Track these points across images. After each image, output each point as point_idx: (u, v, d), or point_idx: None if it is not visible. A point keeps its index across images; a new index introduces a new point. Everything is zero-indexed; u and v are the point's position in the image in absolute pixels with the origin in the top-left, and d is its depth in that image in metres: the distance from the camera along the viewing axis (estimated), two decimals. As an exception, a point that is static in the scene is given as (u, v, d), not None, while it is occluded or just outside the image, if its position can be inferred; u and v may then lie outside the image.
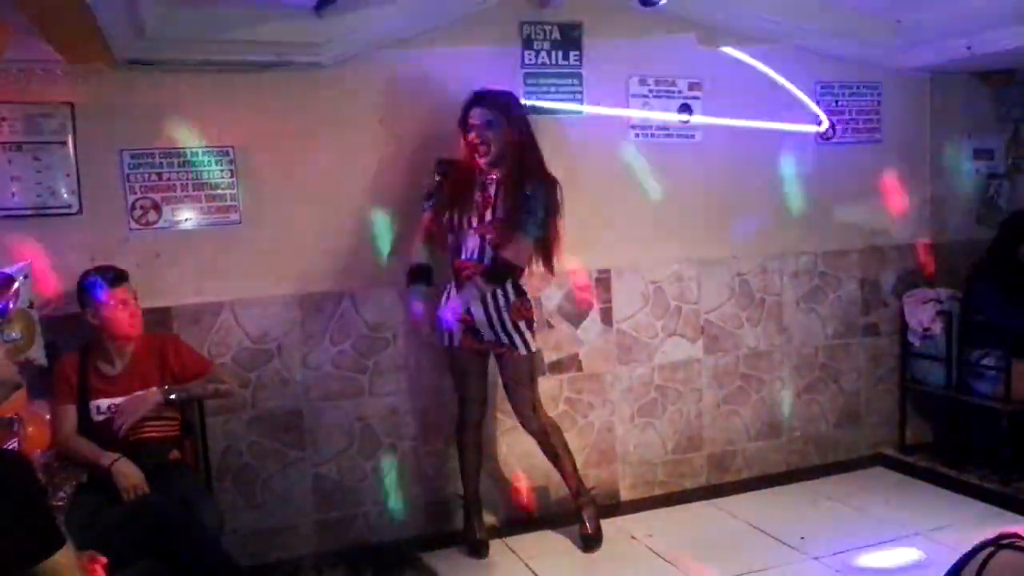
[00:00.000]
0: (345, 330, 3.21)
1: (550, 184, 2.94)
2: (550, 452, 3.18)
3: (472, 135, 2.91)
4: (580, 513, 3.21)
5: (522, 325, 3.01)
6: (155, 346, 2.69)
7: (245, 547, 3.07)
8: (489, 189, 2.96)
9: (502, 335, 2.99)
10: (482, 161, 2.93)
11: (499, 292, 2.96)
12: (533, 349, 3.07)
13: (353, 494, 3.27)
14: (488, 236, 2.92)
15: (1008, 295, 3.64)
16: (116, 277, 2.60)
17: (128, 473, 2.44)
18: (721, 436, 3.84)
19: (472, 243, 2.96)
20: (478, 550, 3.18)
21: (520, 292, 3.02)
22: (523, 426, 3.16)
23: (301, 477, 3.19)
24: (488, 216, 2.94)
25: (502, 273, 2.92)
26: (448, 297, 3.01)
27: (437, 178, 3.02)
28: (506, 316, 2.98)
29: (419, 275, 3.05)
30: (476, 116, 2.91)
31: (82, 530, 2.11)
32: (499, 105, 2.92)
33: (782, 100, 3.79)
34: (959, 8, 3.49)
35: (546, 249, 3.02)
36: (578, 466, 3.29)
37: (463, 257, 2.97)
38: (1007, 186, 4.33)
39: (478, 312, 2.97)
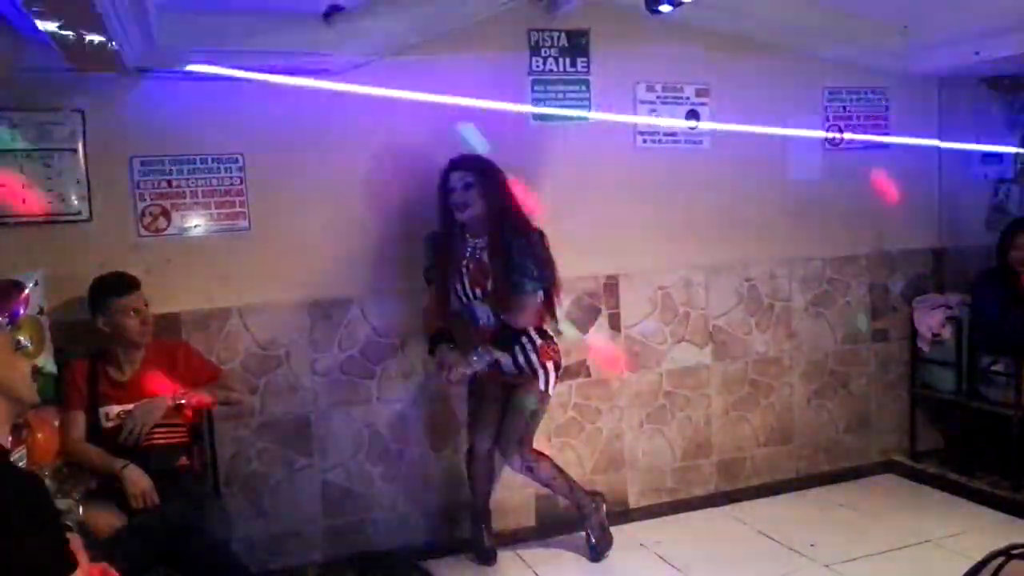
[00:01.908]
0: (353, 336, 3.21)
1: (535, 236, 2.94)
2: (540, 483, 3.18)
3: (453, 196, 2.92)
4: (585, 522, 3.20)
5: (549, 365, 3.02)
6: (165, 353, 2.70)
7: (253, 553, 3.08)
8: (482, 257, 2.96)
9: (527, 368, 3.01)
10: (463, 216, 2.92)
11: (524, 339, 2.98)
12: (550, 392, 3.06)
13: (361, 500, 3.26)
14: (500, 304, 2.94)
15: (1006, 300, 3.63)
16: (127, 284, 2.62)
17: (137, 479, 2.44)
18: (730, 442, 3.82)
19: (484, 313, 2.99)
20: (487, 558, 3.17)
21: (545, 335, 3.05)
22: (502, 455, 3.12)
23: (309, 483, 3.19)
24: (490, 286, 2.94)
25: (510, 337, 2.96)
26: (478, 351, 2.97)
27: (429, 252, 3.05)
28: (533, 357, 3.01)
29: (440, 338, 3.02)
30: (455, 180, 2.92)
31: (91, 537, 2.11)
32: (474, 168, 2.95)
33: (789, 106, 3.79)
34: (967, 14, 3.48)
35: (547, 297, 3.02)
36: (586, 472, 3.28)
37: (480, 325, 2.99)
38: (1016, 191, 4.31)
39: (506, 363, 3.00)
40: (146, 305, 2.65)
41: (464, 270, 2.98)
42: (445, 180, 2.95)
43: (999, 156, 4.28)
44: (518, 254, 2.89)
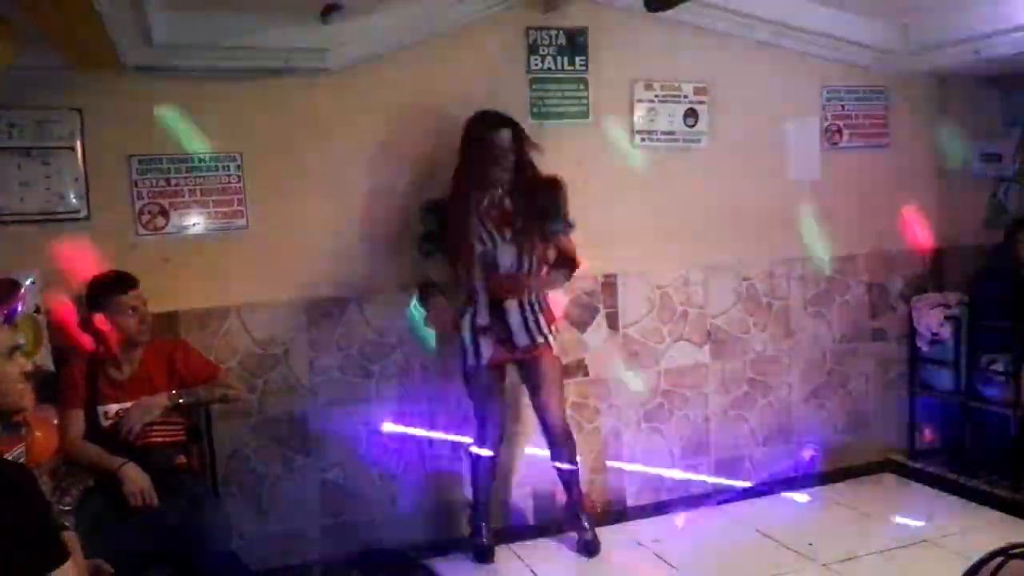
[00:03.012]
0: (351, 335, 3.21)
1: (560, 182, 3.07)
2: (570, 454, 3.17)
3: (498, 153, 2.97)
4: (580, 517, 3.22)
5: (552, 328, 3.10)
6: (163, 351, 2.70)
7: (252, 552, 3.07)
8: (504, 203, 3.02)
9: (538, 336, 3.05)
10: (503, 172, 2.99)
11: (533, 296, 3.04)
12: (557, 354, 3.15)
13: (359, 499, 3.26)
14: (525, 245, 3.00)
15: (1007, 298, 3.64)
16: (125, 282, 2.62)
17: (135, 477, 2.44)
18: (728, 441, 3.82)
19: (509, 256, 2.99)
20: (485, 555, 3.18)
21: (543, 298, 3.11)
22: (551, 428, 3.13)
23: (307, 482, 3.19)
24: (518, 224, 3.00)
25: (566, 268, 3.12)
26: (476, 316, 3.01)
27: (431, 218, 3.04)
28: (541, 318, 3.06)
29: (431, 287, 3.07)
30: (504, 139, 2.98)
31: (89, 535, 2.11)
32: (514, 124, 3.02)
33: (788, 105, 3.79)
34: (966, 13, 3.48)
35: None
36: (585, 471, 3.28)
37: (503, 270, 3.00)
38: (1015, 190, 4.31)
39: (515, 319, 3.00)
40: (144, 304, 2.65)
41: (485, 218, 2.99)
42: (492, 138, 2.96)
43: (998, 155, 4.29)
44: (551, 200, 3.02)
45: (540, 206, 3.02)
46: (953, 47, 3.66)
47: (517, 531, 3.42)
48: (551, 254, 3.14)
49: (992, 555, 1.14)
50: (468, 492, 3.27)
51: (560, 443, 3.16)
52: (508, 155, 2.98)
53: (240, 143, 3.03)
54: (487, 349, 3.03)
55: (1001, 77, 4.08)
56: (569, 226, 3.09)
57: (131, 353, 2.64)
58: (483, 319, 3.01)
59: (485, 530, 3.22)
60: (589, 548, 3.18)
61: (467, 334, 3.03)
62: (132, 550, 2.17)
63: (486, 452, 3.14)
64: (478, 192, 3.02)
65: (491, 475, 3.22)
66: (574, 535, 3.27)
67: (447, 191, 3.05)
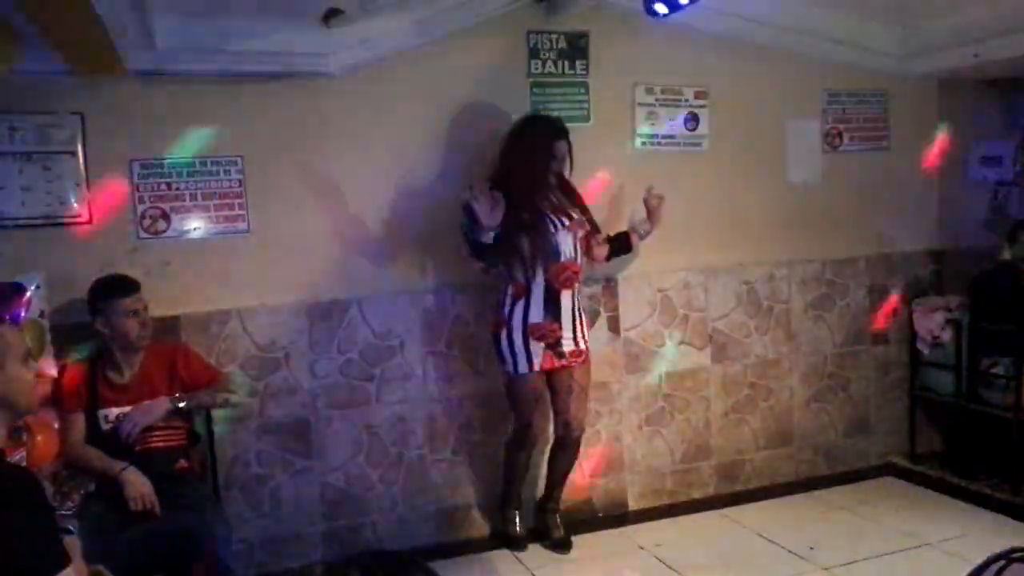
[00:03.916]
0: (352, 338, 3.21)
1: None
2: (569, 463, 3.27)
3: (559, 158, 3.06)
4: (555, 517, 3.28)
5: (587, 333, 3.20)
6: (164, 355, 2.70)
7: (253, 556, 3.09)
8: (553, 198, 3.10)
9: (582, 342, 3.13)
10: (554, 181, 3.09)
11: (579, 300, 3.11)
12: None
13: (360, 503, 3.26)
14: (580, 232, 3.11)
15: (1007, 301, 3.64)
16: (126, 286, 2.62)
17: (136, 481, 2.44)
18: (729, 445, 3.82)
19: (568, 243, 3.06)
20: (521, 544, 3.26)
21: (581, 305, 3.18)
22: (570, 434, 3.18)
23: (309, 486, 3.19)
24: (575, 214, 3.10)
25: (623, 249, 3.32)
26: (529, 312, 3.01)
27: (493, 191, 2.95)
28: (585, 322, 3.15)
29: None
30: (562, 149, 3.06)
31: (90, 540, 2.11)
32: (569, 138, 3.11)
33: (789, 108, 3.79)
34: (966, 16, 3.48)
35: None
36: (585, 475, 3.29)
37: (563, 259, 3.04)
38: (1016, 193, 4.31)
39: (567, 317, 3.05)
40: (145, 308, 2.65)
41: (546, 209, 3.04)
42: (557, 144, 3.04)
43: (999, 158, 4.29)
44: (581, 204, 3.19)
45: (582, 203, 3.17)
46: (952, 50, 3.67)
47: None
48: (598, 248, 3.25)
49: (994, 559, 1.14)
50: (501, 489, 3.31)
51: (570, 447, 3.21)
52: (565, 163, 3.08)
53: (241, 147, 3.03)
54: (539, 356, 3.03)
55: (1000, 80, 4.08)
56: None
57: (132, 357, 2.64)
58: (537, 315, 3.01)
59: (520, 521, 3.30)
60: (563, 545, 3.25)
61: (518, 336, 3.01)
62: (134, 555, 2.18)
63: (541, 438, 3.19)
64: (539, 191, 3.05)
65: (527, 470, 3.27)
66: (577, 537, 3.28)
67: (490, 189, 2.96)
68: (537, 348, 3.03)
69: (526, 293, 3.02)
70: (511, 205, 2.91)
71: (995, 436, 3.73)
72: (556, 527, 3.28)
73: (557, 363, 3.09)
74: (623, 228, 3.42)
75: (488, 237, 2.86)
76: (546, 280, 3.02)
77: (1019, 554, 1.12)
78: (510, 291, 3.05)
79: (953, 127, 4.12)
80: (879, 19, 3.77)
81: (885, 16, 3.75)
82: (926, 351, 3.97)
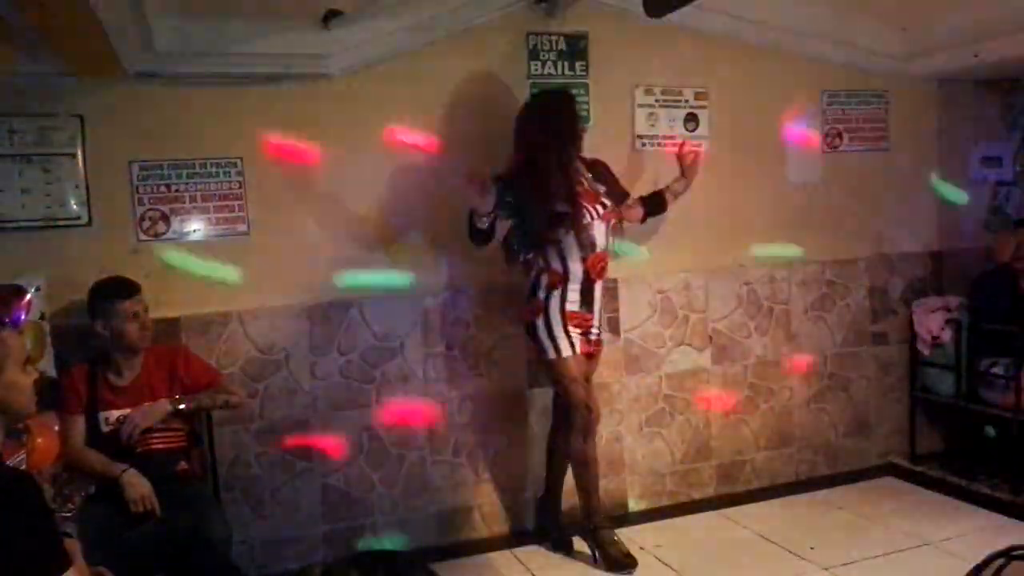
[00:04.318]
0: (353, 340, 3.21)
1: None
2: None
3: (580, 129, 3.05)
4: (601, 534, 3.11)
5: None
6: (164, 357, 2.70)
7: (253, 558, 3.08)
8: (581, 177, 3.05)
9: (603, 332, 3.18)
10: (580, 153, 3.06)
11: (600, 288, 3.07)
12: None
13: (361, 504, 3.26)
14: (612, 220, 3.08)
15: (1006, 301, 3.66)
16: (126, 289, 2.62)
17: (136, 483, 2.44)
18: (730, 446, 3.82)
19: (601, 233, 3.04)
20: (567, 545, 3.25)
21: None
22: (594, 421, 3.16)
23: (309, 487, 3.19)
24: (607, 202, 3.06)
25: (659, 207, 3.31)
26: (565, 300, 2.99)
27: (500, 190, 2.90)
28: (603, 310, 3.18)
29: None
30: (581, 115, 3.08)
31: (91, 542, 2.11)
32: None
33: (789, 109, 3.80)
34: (966, 16, 3.49)
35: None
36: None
37: (598, 250, 3.02)
38: (1016, 193, 4.32)
39: (597, 307, 3.07)
40: (145, 310, 2.65)
41: (578, 194, 2.98)
42: (578, 113, 3.03)
43: (999, 158, 4.30)
44: (609, 177, 3.15)
45: (608, 176, 3.13)
46: (952, 50, 3.67)
47: (520, 536, 3.42)
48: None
49: (993, 557, 1.14)
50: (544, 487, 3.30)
51: (589, 435, 3.14)
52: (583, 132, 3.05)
53: (241, 148, 3.03)
54: (577, 341, 3.02)
55: (1001, 80, 4.09)
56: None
57: (132, 359, 2.64)
58: (574, 304, 3.00)
59: (562, 519, 3.28)
60: (567, 547, 3.25)
61: (556, 323, 2.98)
62: (134, 557, 2.17)
63: (592, 442, 3.09)
64: (567, 170, 2.98)
65: (597, 463, 3.17)
66: (574, 539, 3.27)
67: (510, 175, 2.94)
68: (575, 333, 3.02)
69: (563, 283, 3.00)
70: (543, 193, 2.89)
71: (995, 436, 3.74)
72: (610, 543, 3.11)
73: (588, 349, 3.07)
74: (624, 236, 3.43)
75: (483, 222, 2.87)
76: (584, 270, 3.01)
77: (1019, 552, 1.12)
78: (544, 280, 3.01)
79: (953, 128, 4.12)
80: (878, 20, 3.77)
81: (885, 17, 3.76)
82: (926, 351, 3.97)
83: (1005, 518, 3.42)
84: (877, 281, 4.05)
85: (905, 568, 3.04)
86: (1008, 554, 1.13)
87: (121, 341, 2.59)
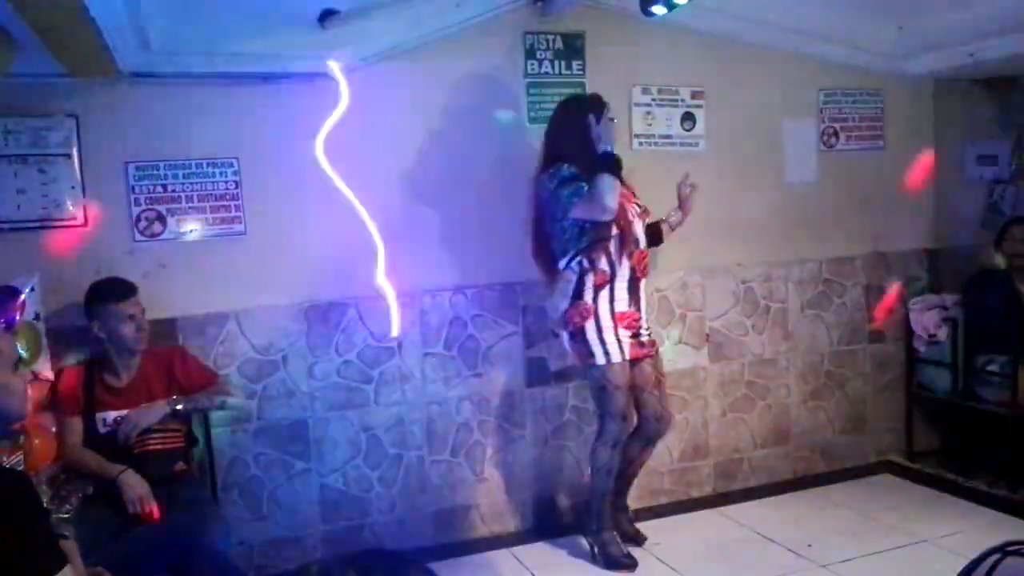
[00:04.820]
0: (351, 340, 3.21)
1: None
2: (648, 458, 3.25)
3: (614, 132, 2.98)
4: (628, 514, 3.31)
5: None
6: (161, 358, 2.70)
7: (252, 559, 3.08)
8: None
9: (652, 332, 3.12)
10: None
11: (644, 285, 3.05)
12: None
13: (359, 504, 3.26)
14: (645, 220, 3.09)
15: (1002, 298, 3.67)
16: (123, 290, 2.61)
17: (134, 484, 2.44)
18: (727, 444, 3.83)
19: (641, 230, 3.04)
20: (639, 540, 3.26)
21: None
22: (661, 429, 3.12)
23: (307, 488, 3.19)
24: (641, 201, 3.08)
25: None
26: (614, 301, 2.94)
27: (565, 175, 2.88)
28: (653, 312, 3.12)
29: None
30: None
31: (89, 543, 2.11)
32: None
33: (786, 107, 3.80)
34: (962, 15, 3.49)
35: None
36: (584, 475, 3.29)
37: (641, 247, 3.03)
38: (1011, 192, 4.32)
39: (644, 311, 3.04)
40: (142, 312, 2.65)
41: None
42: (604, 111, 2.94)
43: (994, 157, 4.30)
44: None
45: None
46: (948, 49, 3.68)
47: (516, 535, 3.43)
48: None
49: (989, 552, 1.14)
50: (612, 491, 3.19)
51: (655, 443, 3.19)
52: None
53: (237, 148, 3.03)
54: (627, 344, 2.96)
55: (997, 79, 4.09)
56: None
57: (129, 360, 2.64)
58: (623, 304, 2.96)
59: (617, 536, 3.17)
60: (637, 540, 3.25)
61: (607, 325, 2.93)
62: (132, 558, 2.16)
63: (619, 453, 3.06)
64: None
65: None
66: (575, 538, 3.28)
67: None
68: (625, 336, 2.96)
69: (610, 282, 2.95)
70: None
71: (992, 433, 3.75)
72: (631, 523, 3.29)
73: (640, 352, 3.01)
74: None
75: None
76: (631, 267, 2.97)
77: (1014, 547, 1.13)
78: (589, 281, 2.95)
79: (949, 127, 4.13)
80: (875, 19, 3.78)
81: (882, 16, 3.76)
82: (922, 349, 3.98)
83: (1002, 515, 3.43)
84: (874, 279, 4.06)
85: (903, 565, 3.04)
86: (1003, 549, 1.13)
87: (117, 343, 2.59)
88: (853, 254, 4.01)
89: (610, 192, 2.80)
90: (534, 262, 3.13)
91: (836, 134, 3.92)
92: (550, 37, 3.38)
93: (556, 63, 3.40)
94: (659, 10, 2.97)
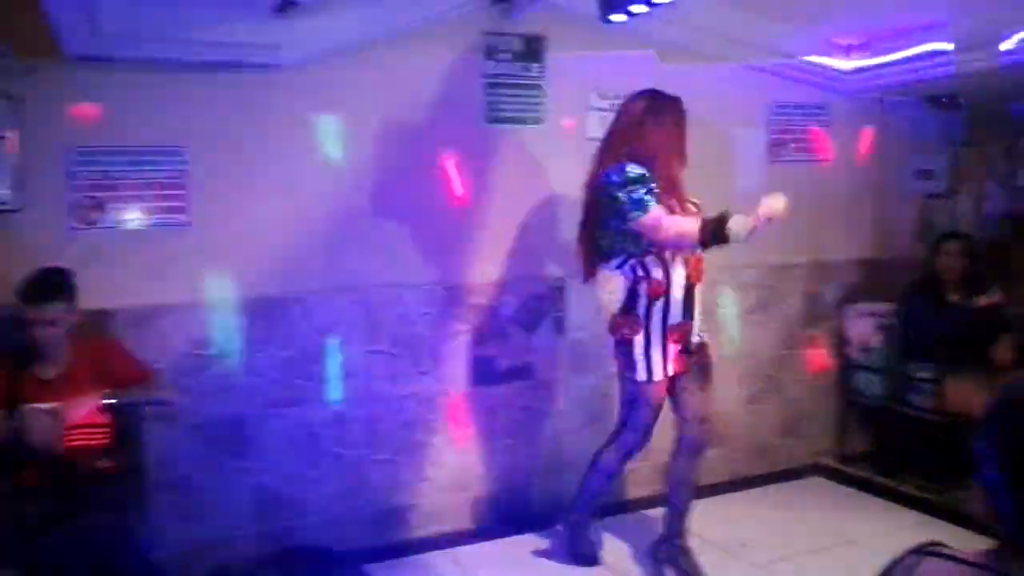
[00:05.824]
0: (292, 335, 3.14)
1: None
2: (698, 471, 3.06)
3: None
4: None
5: None
6: (93, 350, 2.58)
7: (181, 560, 2.96)
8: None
9: (703, 334, 2.96)
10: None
11: (699, 292, 2.91)
12: None
13: (295, 504, 3.19)
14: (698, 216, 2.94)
15: (931, 309, 3.83)
16: (46, 294, 2.47)
17: (39, 414, 2.31)
18: (667, 446, 3.87)
19: None
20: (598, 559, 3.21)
21: None
22: (704, 433, 3.00)
23: (242, 486, 3.11)
24: (691, 201, 2.93)
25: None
26: (668, 311, 2.82)
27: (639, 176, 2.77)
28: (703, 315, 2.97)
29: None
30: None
31: (6, 544, 2.02)
32: None
33: (738, 118, 3.88)
34: (903, 39, 3.61)
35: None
36: (529, 475, 3.31)
37: (697, 252, 2.86)
38: (946, 206, 4.50)
39: (697, 316, 2.90)
40: (71, 313, 2.51)
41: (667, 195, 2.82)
42: (683, 116, 2.91)
43: (931, 171, 4.47)
44: None
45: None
46: (894, 67, 3.80)
47: (455, 536, 3.43)
48: None
49: (907, 553, 1.17)
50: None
51: (703, 450, 3.05)
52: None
53: (186, 137, 2.95)
54: (671, 360, 2.87)
55: (937, 97, 4.25)
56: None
57: (56, 352, 2.54)
58: (677, 315, 2.82)
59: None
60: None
61: (656, 341, 2.82)
62: (53, 558, 2.09)
63: (614, 460, 3.06)
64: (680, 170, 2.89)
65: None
66: (515, 539, 3.32)
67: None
68: (672, 351, 2.86)
69: (666, 293, 2.81)
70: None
71: (921, 438, 3.89)
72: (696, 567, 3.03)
73: (686, 365, 2.91)
74: (570, 233, 3.43)
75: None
76: (687, 274, 2.84)
77: (932, 548, 1.16)
78: (643, 291, 2.82)
79: (892, 141, 4.27)
80: (823, 35, 3.87)
81: (831, 32, 3.86)
82: (856, 355, 4.11)
83: (929, 517, 3.56)
84: (813, 287, 4.17)
85: (832, 565, 3.15)
86: (921, 551, 1.16)
87: (37, 344, 2.48)
88: (794, 262, 4.11)
89: (682, 241, 2.72)
90: (578, 248, 3.00)
91: (784, 145, 4.02)
92: (510, 38, 3.38)
93: (515, 65, 3.40)
94: (618, 18, 3.00)
